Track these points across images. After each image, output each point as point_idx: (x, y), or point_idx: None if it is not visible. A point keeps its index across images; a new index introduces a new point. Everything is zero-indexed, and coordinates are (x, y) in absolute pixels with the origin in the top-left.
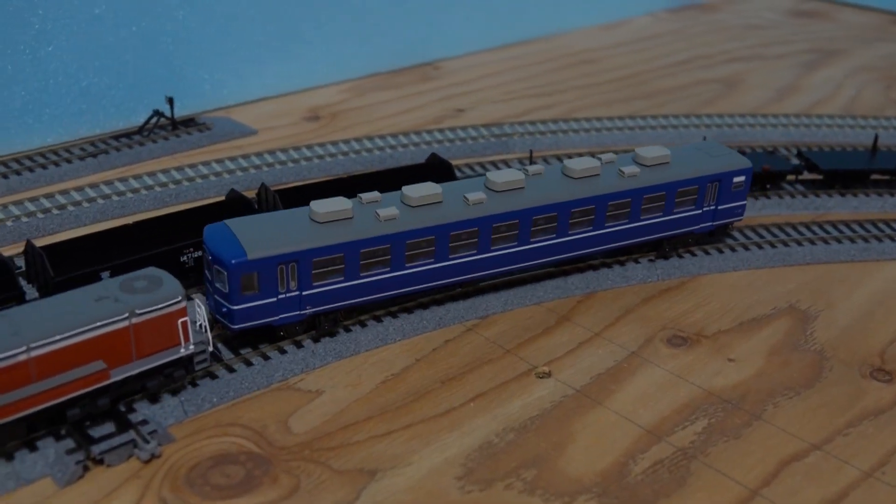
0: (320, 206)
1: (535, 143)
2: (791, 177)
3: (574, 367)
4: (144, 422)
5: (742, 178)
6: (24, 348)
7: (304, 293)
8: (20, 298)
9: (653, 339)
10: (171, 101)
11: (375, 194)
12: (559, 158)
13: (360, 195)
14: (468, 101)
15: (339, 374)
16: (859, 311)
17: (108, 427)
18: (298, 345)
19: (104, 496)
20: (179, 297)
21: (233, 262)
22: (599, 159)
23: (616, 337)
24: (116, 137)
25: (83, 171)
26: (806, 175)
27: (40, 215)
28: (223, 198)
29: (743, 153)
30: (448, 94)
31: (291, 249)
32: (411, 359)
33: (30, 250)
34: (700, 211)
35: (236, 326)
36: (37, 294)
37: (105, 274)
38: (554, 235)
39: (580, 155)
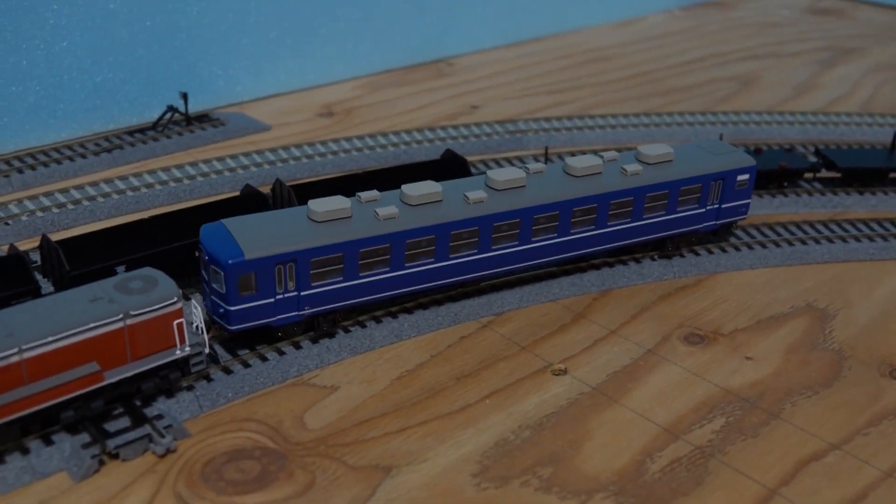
0: (318, 206)
1: (550, 140)
2: (808, 174)
3: (590, 364)
4: (160, 416)
5: (746, 177)
6: (16, 350)
7: (302, 293)
8: (36, 293)
9: (669, 337)
10: (185, 96)
11: (374, 193)
12: (574, 155)
13: (358, 194)
14: (482, 98)
15: (354, 370)
16: (878, 311)
17: (124, 421)
18: (314, 340)
19: (119, 490)
20: (175, 298)
21: (230, 262)
22: (601, 157)
23: (632, 334)
24: (130, 133)
25: (98, 166)
26: (824, 173)
27: (55, 210)
28: (238, 193)
29: (760, 150)
30: (462, 90)
31: (289, 249)
32: (426, 355)
33: (45, 245)
34: (704, 209)
35: (233, 327)
36: (52, 288)
37: (121, 268)
38: (555, 235)
39: (595, 152)
